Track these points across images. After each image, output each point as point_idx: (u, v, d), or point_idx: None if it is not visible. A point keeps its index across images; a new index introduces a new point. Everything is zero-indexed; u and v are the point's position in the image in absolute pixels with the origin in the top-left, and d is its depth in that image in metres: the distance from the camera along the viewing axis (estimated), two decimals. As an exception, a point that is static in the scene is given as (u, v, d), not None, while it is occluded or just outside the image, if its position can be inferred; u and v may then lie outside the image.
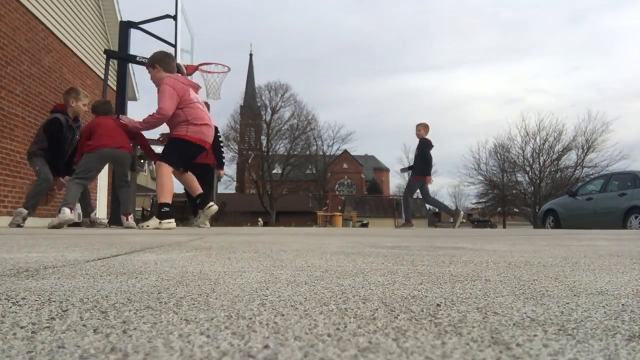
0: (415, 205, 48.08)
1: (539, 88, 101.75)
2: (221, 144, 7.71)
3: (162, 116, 4.95)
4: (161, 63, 5.10)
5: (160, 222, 4.90)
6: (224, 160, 7.71)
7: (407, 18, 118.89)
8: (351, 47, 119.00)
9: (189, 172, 5.52)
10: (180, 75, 5.35)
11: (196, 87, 5.26)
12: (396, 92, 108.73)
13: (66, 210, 5.09)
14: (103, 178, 11.16)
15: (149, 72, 5.22)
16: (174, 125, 5.10)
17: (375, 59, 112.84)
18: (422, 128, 8.29)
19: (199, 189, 5.53)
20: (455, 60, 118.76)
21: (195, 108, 5.06)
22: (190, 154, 5.26)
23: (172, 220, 5.04)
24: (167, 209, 5.00)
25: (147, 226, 4.92)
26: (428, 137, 8.36)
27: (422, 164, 8.19)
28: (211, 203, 5.63)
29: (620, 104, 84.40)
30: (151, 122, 5.13)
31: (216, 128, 7.67)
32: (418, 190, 8.46)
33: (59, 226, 5.03)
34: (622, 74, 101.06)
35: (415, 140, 8.46)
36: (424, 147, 8.23)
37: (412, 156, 10.47)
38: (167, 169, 5.04)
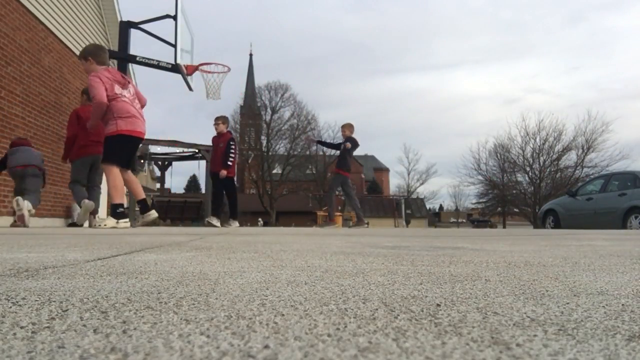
0: (416, 206, 48.17)
1: (539, 88, 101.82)
2: (231, 150, 7.91)
3: (98, 103, 5.07)
4: (94, 56, 5.25)
5: (117, 222, 5.12)
6: (229, 162, 7.85)
7: (407, 18, 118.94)
8: (351, 47, 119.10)
9: (131, 174, 5.59)
10: (109, 68, 5.45)
11: (122, 83, 5.28)
12: (396, 92, 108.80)
13: (85, 202, 6.02)
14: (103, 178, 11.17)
15: (82, 64, 5.38)
16: (106, 123, 5.21)
17: (375, 59, 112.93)
18: (347, 128, 8.59)
19: (141, 194, 5.61)
20: (455, 61, 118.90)
21: (120, 102, 5.14)
22: (128, 148, 5.30)
23: (127, 219, 5.32)
24: (122, 209, 5.23)
25: (105, 225, 5.13)
26: (354, 136, 8.65)
27: (343, 160, 8.49)
28: (152, 211, 5.62)
29: (619, 104, 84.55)
30: (94, 114, 5.26)
31: (233, 138, 7.94)
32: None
33: (84, 218, 6.12)
34: (621, 75, 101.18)
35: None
36: (349, 145, 8.52)
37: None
38: (114, 170, 5.14)
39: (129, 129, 5.13)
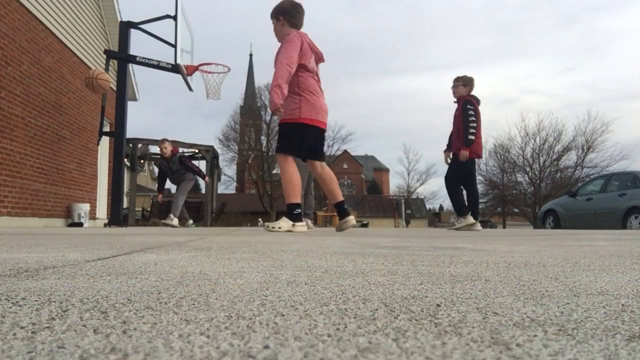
0: (416, 206, 48.17)
1: (534, 89, 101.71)
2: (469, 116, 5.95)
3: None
4: (287, 15, 4.56)
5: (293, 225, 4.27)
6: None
7: (401, 20, 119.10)
8: (349, 47, 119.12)
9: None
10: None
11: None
12: (394, 92, 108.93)
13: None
14: (103, 178, 11.16)
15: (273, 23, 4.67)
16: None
17: (373, 60, 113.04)
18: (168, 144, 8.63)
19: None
20: (451, 62, 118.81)
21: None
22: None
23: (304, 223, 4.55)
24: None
25: (279, 228, 4.24)
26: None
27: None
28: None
29: (615, 105, 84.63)
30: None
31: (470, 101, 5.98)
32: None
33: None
34: (616, 75, 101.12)
35: None
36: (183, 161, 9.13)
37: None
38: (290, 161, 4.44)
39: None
